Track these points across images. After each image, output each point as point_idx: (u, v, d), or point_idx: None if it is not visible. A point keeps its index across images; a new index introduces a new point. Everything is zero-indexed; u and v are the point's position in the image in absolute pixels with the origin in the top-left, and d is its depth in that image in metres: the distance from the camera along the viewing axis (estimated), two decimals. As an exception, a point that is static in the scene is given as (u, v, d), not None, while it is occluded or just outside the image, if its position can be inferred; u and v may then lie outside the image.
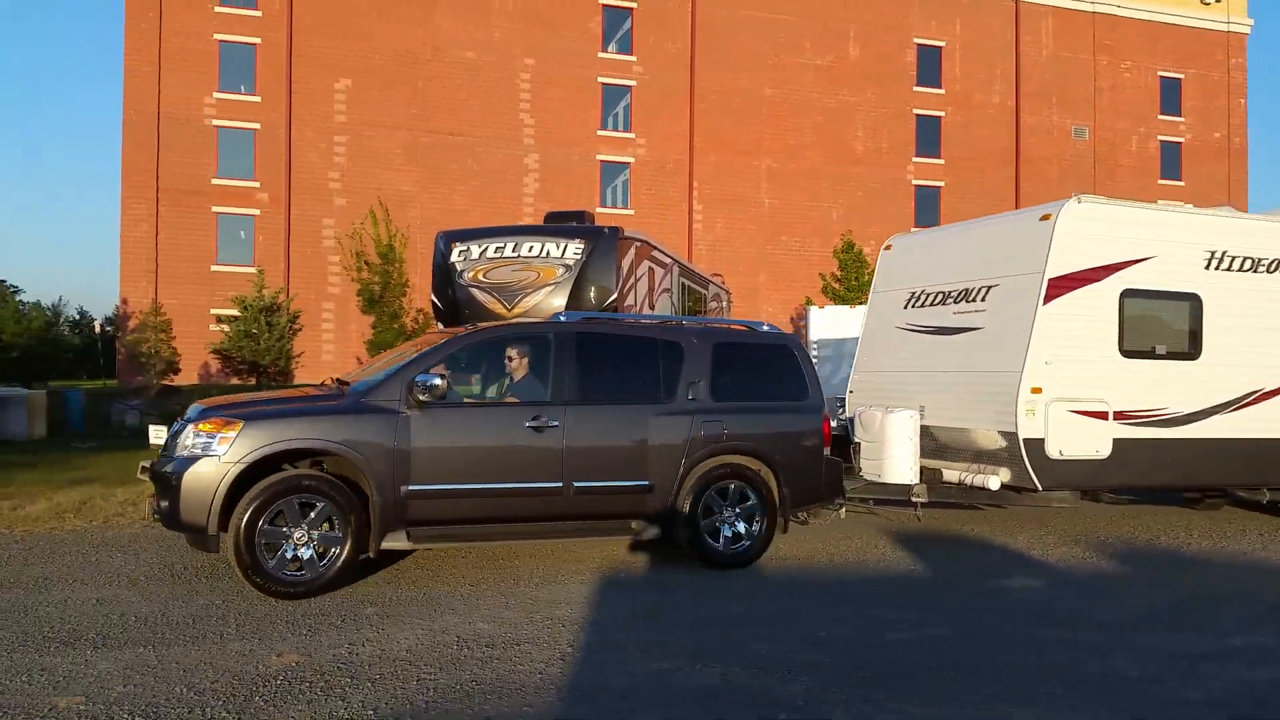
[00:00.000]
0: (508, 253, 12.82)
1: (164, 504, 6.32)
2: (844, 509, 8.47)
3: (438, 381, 6.59)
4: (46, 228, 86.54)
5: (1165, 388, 8.71)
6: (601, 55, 38.92)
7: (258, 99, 35.23)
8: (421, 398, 6.58)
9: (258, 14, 35.27)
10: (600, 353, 7.52)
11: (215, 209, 34.80)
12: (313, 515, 6.32)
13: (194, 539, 6.40)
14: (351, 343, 34.10)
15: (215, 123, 34.92)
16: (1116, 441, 8.44)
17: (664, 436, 7.28)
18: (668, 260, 15.52)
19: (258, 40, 35.25)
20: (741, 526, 7.51)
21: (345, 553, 6.36)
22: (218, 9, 34.80)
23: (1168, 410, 8.70)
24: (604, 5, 38.89)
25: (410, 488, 6.55)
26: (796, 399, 7.95)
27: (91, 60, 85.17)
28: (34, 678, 4.77)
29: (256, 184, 35.20)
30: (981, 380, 8.73)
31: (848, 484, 8.59)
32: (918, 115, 42.48)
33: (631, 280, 13.16)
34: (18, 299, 40.06)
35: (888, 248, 10.97)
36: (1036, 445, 8.23)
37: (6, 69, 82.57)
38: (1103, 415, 8.42)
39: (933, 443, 9.18)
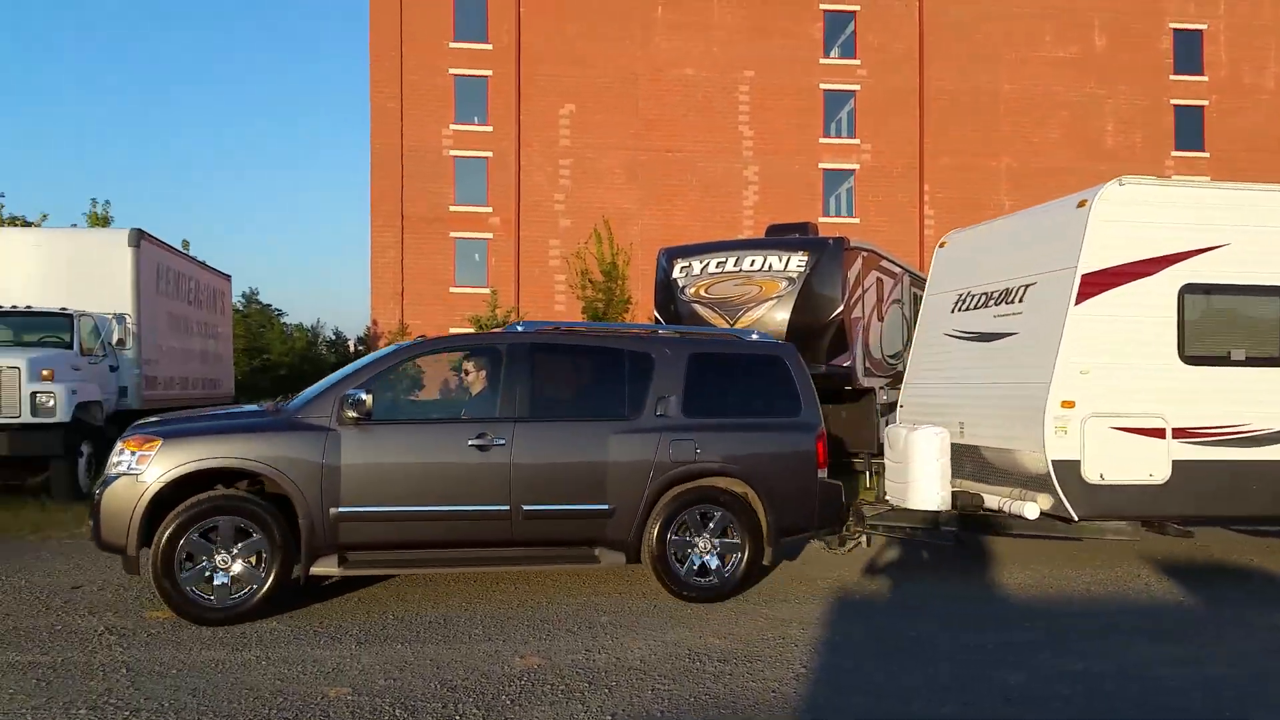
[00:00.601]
0: (729, 267, 12.96)
1: (90, 523, 6.23)
2: (865, 538, 7.80)
3: (363, 396, 6.31)
4: (305, 256, 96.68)
5: (1246, 400, 7.47)
6: (824, 61, 38.57)
7: (489, 129, 37.68)
8: (351, 414, 6.30)
9: (488, 47, 37.77)
10: (558, 365, 7.18)
11: (453, 234, 37.51)
12: (244, 538, 6.13)
13: (124, 562, 6.20)
14: (577, 360, 35.51)
15: (452, 153, 37.66)
16: (1178, 464, 7.30)
17: (626, 456, 6.69)
18: (897, 270, 15.10)
19: (489, 73, 37.73)
20: (717, 556, 6.87)
21: (270, 577, 6.12)
22: (452, 45, 37.59)
23: (1250, 427, 7.44)
24: (825, 10, 38.56)
25: (340, 509, 6.25)
26: (787, 415, 7.18)
27: (343, 101, 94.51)
28: (306, 669, 5.32)
29: (489, 209, 37.62)
30: (1014, 393, 7.79)
31: (869, 510, 7.96)
32: (1176, 106, 39.01)
33: (859, 291, 12.91)
34: (282, 321, 44.99)
35: (942, 245, 9.86)
36: (1070, 468, 7.25)
37: (273, 112, 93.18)
38: (1158, 433, 7.32)
39: (976, 464, 8.27)
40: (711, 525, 6.85)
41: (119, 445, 6.34)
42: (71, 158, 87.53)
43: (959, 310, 9.03)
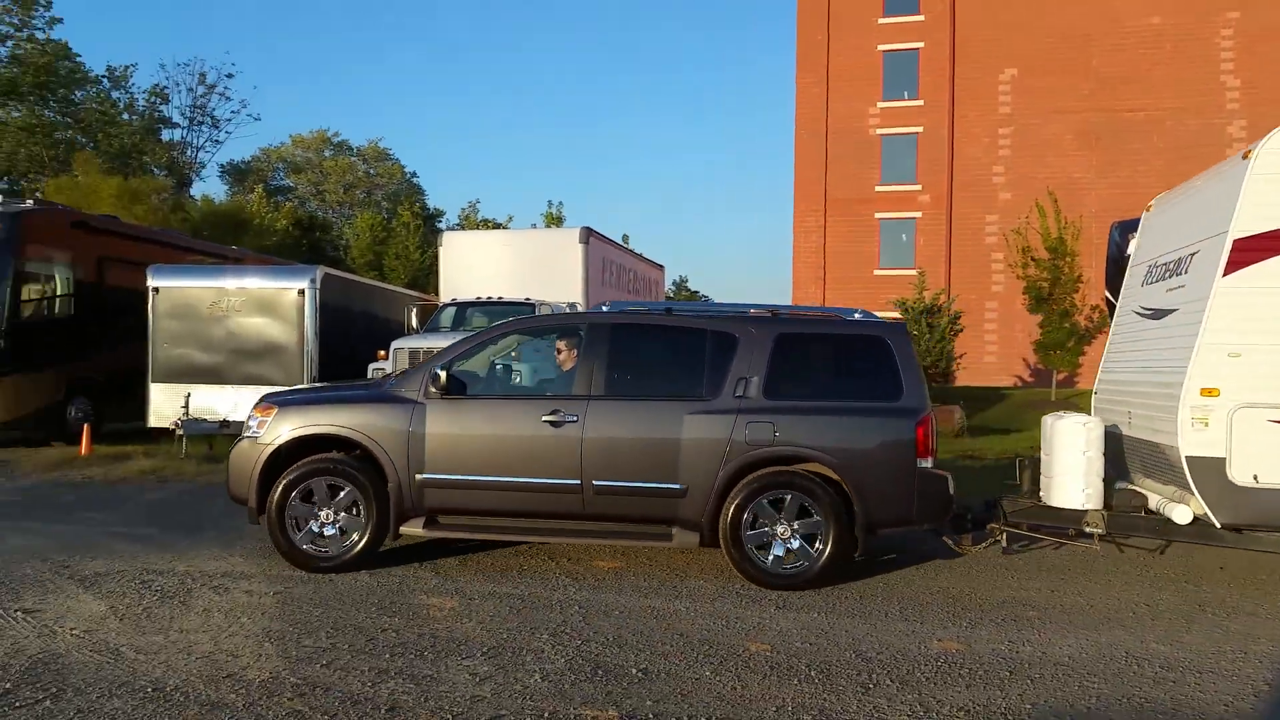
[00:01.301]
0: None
1: (226, 479, 7.22)
2: (1004, 536, 7.30)
3: (439, 371, 6.85)
4: (732, 243, 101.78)
5: None
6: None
7: (920, 103, 36.87)
8: (434, 388, 6.84)
9: (920, 18, 36.92)
10: (637, 346, 7.26)
11: (878, 215, 37.33)
12: (340, 497, 6.88)
13: (249, 512, 7.06)
14: (1017, 343, 33.62)
15: (879, 132, 37.44)
16: None
17: (698, 436, 6.70)
18: None
19: (920, 44, 36.89)
20: (798, 544, 6.65)
21: (366, 535, 6.86)
22: (881, 20, 37.29)
23: None
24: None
25: (424, 476, 6.84)
26: (885, 400, 6.78)
27: (766, 88, 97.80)
28: (730, 624, 5.83)
29: (918, 187, 36.85)
30: (1160, 378, 6.87)
31: (1008, 505, 7.37)
32: None
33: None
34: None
35: (1148, 209, 8.53)
36: (1212, 466, 6.27)
37: (698, 103, 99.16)
38: None
39: (1144, 460, 7.26)
40: (793, 511, 6.69)
41: (250, 411, 7.38)
42: (531, 160, 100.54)
43: (1145, 284, 8.04)
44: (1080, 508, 7.02)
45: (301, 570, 6.90)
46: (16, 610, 5.85)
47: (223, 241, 26.06)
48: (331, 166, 58.52)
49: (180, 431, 13.22)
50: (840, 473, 6.68)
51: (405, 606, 6.12)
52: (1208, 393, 6.38)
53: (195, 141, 49.61)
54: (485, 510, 7.10)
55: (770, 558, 6.73)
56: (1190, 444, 6.40)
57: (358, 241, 44.77)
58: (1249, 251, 6.36)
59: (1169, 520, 6.71)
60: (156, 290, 14.28)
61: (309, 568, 6.91)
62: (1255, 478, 6.29)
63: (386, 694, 4.60)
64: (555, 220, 40.57)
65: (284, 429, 7.04)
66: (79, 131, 41.45)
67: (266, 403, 7.33)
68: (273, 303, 14.26)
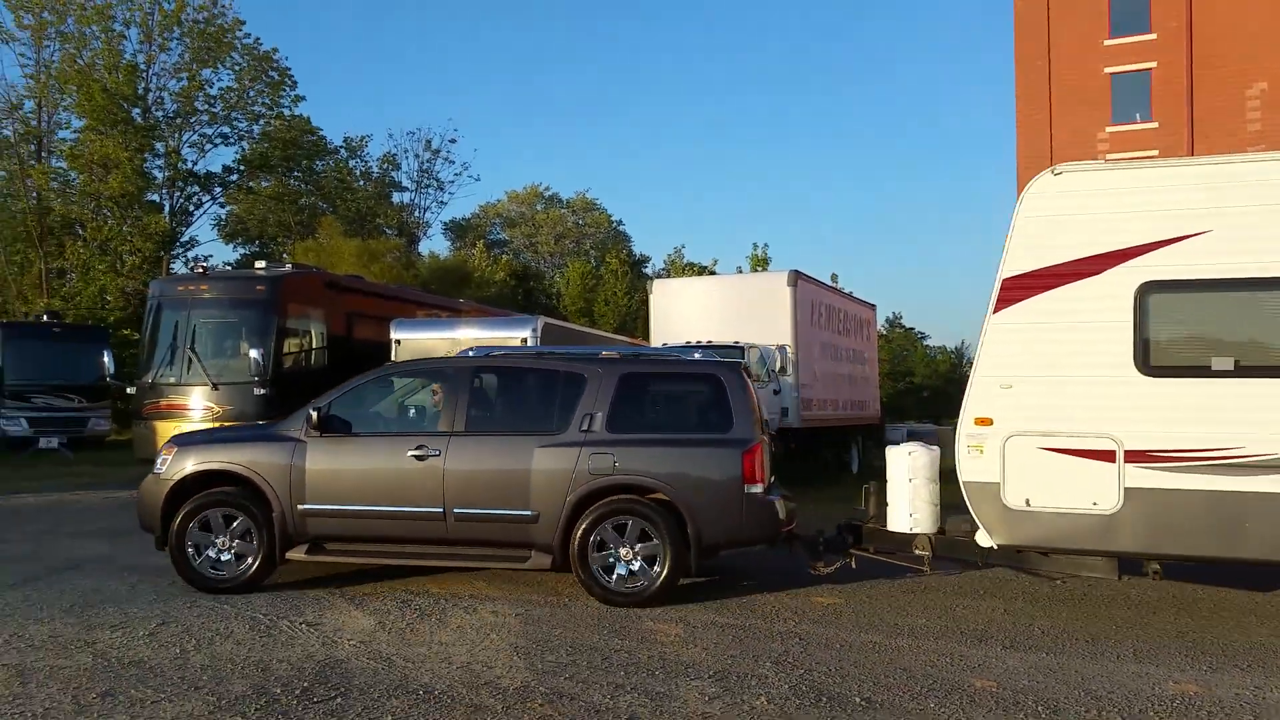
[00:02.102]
0: None
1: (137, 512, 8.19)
2: (852, 560, 7.88)
3: (312, 413, 7.76)
4: (945, 279, 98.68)
5: (1237, 418, 6.34)
6: None
7: (1154, 125, 34.94)
8: (312, 428, 7.75)
9: (1151, 37, 35.14)
10: (497, 386, 8.18)
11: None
12: (234, 526, 7.75)
13: (155, 540, 7.96)
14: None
15: (1109, 157, 35.72)
16: (1132, 492, 6.54)
17: (548, 467, 7.43)
18: None
19: (1153, 64, 35.06)
20: (639, 565, 7.33)
21: (258, 560, 7.71)
22: (1108, 42, 35.73)
23: (1244, 450, 6.27)
24: None
25: (305, 506, 7.69)
26: (717, 431, 7.52)
27: (982, 118, 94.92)
28: (954, 661, 5.97)
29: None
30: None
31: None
32: None
33: None
34: (925, 344, 46.88)
35: None
36: (986, 491, 6.87)
37: (905, 138, 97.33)
38: (1106, 456, 6.57)
39: None
40: (634, 534, 7.35)
41: (160, 451, 8.31)
42: (734, 202, 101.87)
43: None
44: (908, 531, 7.58)
45: (202, 592, 7.70)
46: (301, 623, 6.80)
47: (448, 294, 28.23)
48: (543, 219, 61.82)
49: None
50: (675, 498, 7.37)
51: (634, 631, 6.65)
52: (981, 422, 6.90)
53: (422, 203, 53.77)
54: (361, 537, 7.90)
55: (614, 578, 7.41)
56: (967, 470, 6.93)
57: (569, 289, 47.02)
58: (1016, 290, 6.87)
59: (977, 544, 7.14)
60: (398, 342, 15.78)
61: (208, 589, 7.71)
62: (1027, 501, 6.78)
63: (625, 706, 5.09)
64: (761, 263, 41.11)
65: (186, 465, 7.95)
66: (320, 198, 45.90)
67: (170, 443, 8.37)
68: (500, 351, 15.47)
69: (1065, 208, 6.92)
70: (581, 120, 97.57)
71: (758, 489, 7.40)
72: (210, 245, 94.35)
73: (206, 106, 40.09)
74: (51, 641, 6.20)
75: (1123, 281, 6.67)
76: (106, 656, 5.89)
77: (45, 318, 26.79)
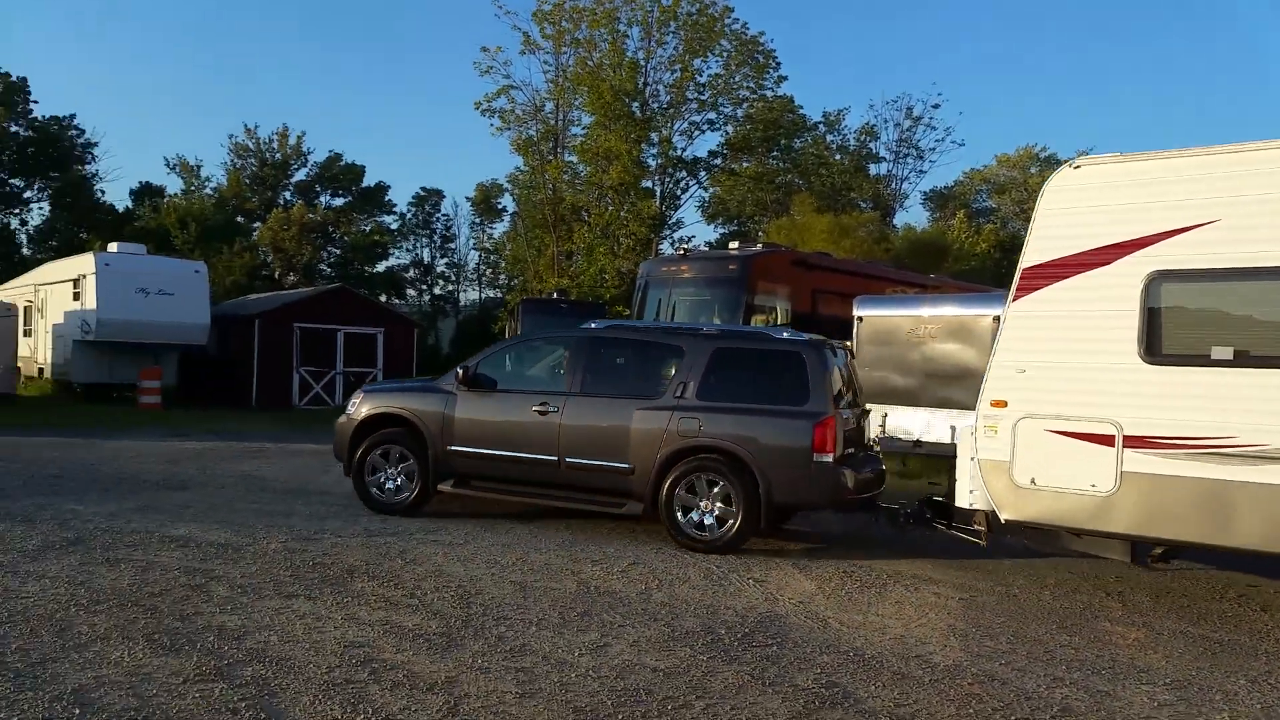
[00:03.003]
0: None
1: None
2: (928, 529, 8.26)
3: (459, 370, 9.42)
4: None
5: (1233, 408, 6.39)
6: None
7: None
8: (461, 384, 9.31)
9: None
10: (609, 354, 9.52)
11: None
12: (400, 461, 9.48)
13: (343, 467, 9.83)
14: None
15: None
16: (1128, 475, 6.73)
17: (644, 427, 8.64)
18: None
19: None
20: (716, 516, 8.34)
21: (416, 489, 9.39)
22: None
23: (1237, 440, 6.33)
24: None
25: (452, 447, 9.25)
26: (793, 404, 8.31)
27: None
28: None
29: None
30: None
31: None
32: None
33: None
34: None
35: None
36: (998, 468, 7.31)
37: None
38: (1106, 440, 6.79)
39: None
40: (713, 489, 8.38)
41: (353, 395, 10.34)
42: None
43: None
44: (968, 507, 7.69)
45: (372, 509, 9.46)
46: (750, 579, 7.46)
47: (922, 268, 27.97)
48: (1037, 183, 58.25)
49: (877, 448, 14.81)
50: (750, 461, 8.27)
51: (1087, 629, 6.39)
52: (997, 404, 7.34)
53: (900, 174, 53.47)
54: (494, 476, 9.29)
55: (694, 527, 8.46)
56: (982, 448, 7.39)
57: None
58: (1035, 279, 7.23)
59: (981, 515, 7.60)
60: (860, 319, 16.13)
61: (374, 508, 9.48)
62: (1033, 480, 7.17)
63: (1060, 698, 4.99)
64: None
65: (365, 409, 9.74)
66: (796, 175, 47.67)
67: (360, 391, 10.31)
68: (966, 329, 15.15)
69: (1081, 200, 7.20)
70: (1076, 77, 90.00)
71: (827, 458, 8.13)
72: (694, 226, 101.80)
73: (696, 95, 43.47)
74: (546, 568, 7.47)
75: (1132, 271, 6.88)
76: (587, 585, 6.99)
77: (556, 294, 31.13)
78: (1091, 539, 7.27)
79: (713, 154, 45.96)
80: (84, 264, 22.33)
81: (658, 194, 43.55)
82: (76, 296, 22.12)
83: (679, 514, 8.47)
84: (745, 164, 46.52)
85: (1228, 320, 6.89)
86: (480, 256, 59.74)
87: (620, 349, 9.68)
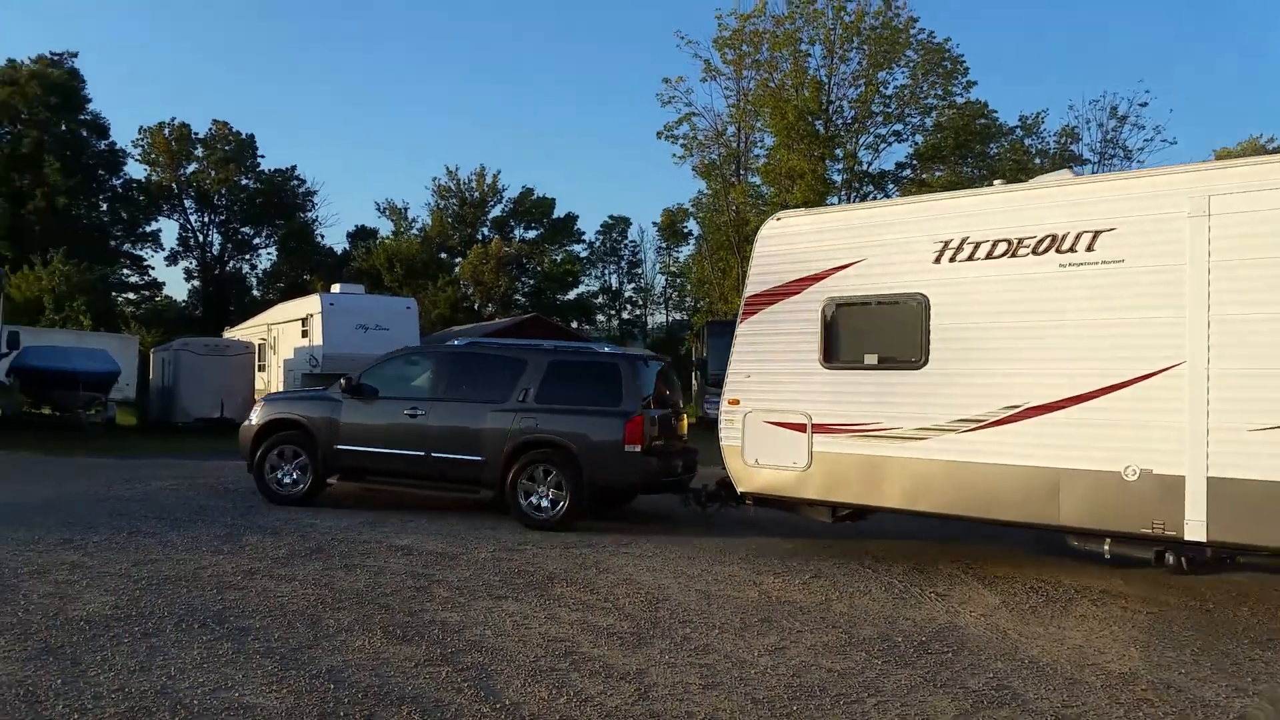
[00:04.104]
0: None
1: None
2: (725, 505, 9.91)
3: (342, 381, 11.48)
4: None
5: (878, 400, 8.57)
6: None
7: None
8: (345, 392, 11.31)
9: None
10: (467, 367, 11.42)
11: None
12: (295, 458, 11.34)
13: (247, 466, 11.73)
14: None
15: None
16: (816, 455, 8.85)
17: (493, 426, 10.63)
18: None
19: None
20: (549, 499, 10.28)
21: (309, 481, 11.24)
22: None
23: (881, 425, 8.50)
24: None
25: (338, 446, 11.13)
26: (610, 406, 10.35)
27: None
28: None
29: None
30: None
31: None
32: None
33: None
34: None
35: None
36: (734, 452, 9.36)
37: None
38: (801, 428, 8.91)
39: None
40: (545, 476, 10.35)
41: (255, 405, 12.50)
42: None
43: None
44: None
45: (270, 501, 11.22)
46: (931, 592, 7.71)
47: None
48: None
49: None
50: (576, 453, 10.24)
51: (1282, 644, 6.31)
52: (732, 402, 9.40)
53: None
54: (374, 471, 11.19)
55: (533, 508, 10.32)
56: (724, 437, 9.43)
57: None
58: (753, 306, 9.44)
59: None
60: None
61: (274, 500, 11.23)
62: (756, 460, 9.23)
63: (1239, 706, 5.08)
64: None
65: (264, 415, 11.69)
66: (989, 180, 46.27)
67: (260, 401, 12.58)
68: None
69: (782, 245, 9.40)
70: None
71: (636, 449, 10.14)
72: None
73: (881, 107, 43.12)
74: (730, 579, 7.99)
75: (814, 298, 9.04)
76: (768, 595, 7.46)
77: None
78: (804, 506, 9.24)
79: (899, 165, 45.39)
80: (311, 304, 24.67)
81: (845, 210, 43.25)
82: (304, 334, 24.43)
83: (521, 498, 10.36)
84: (937, 173, 45.61)
85: (875, 334, 8.80)
86: (666, 280, 61.14)
87: (476, 362, 11.51)
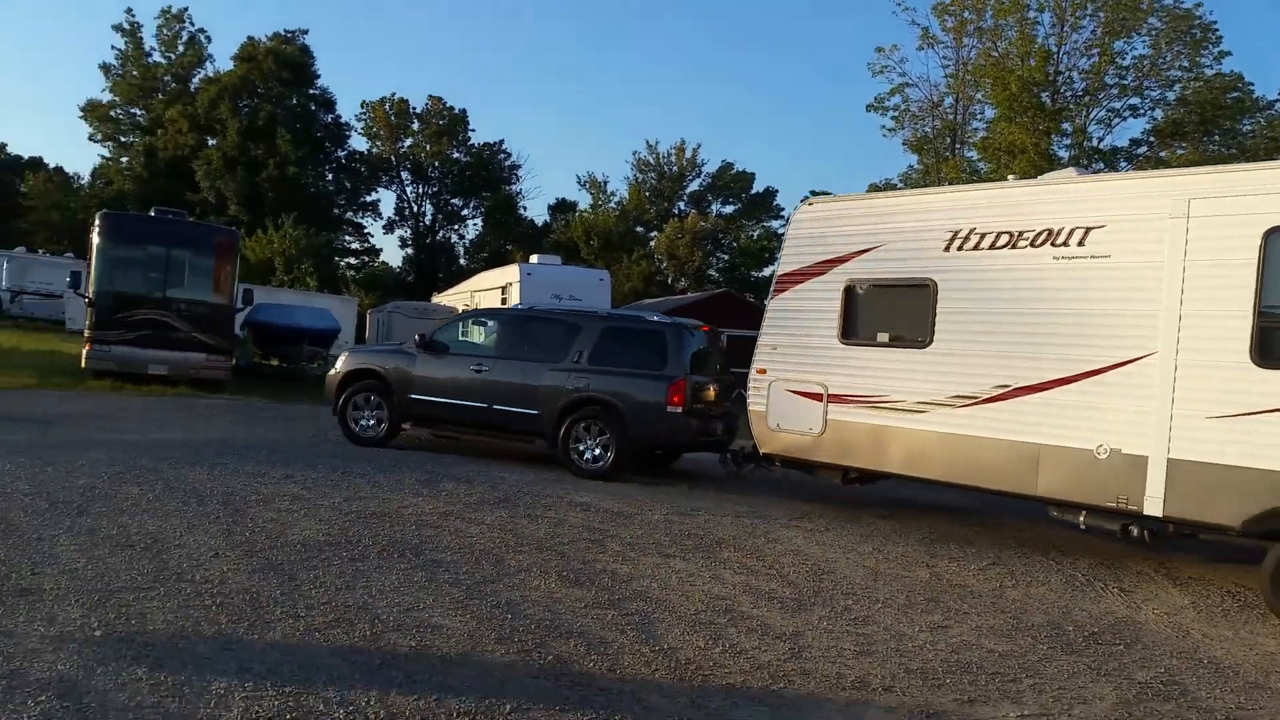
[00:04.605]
0: None
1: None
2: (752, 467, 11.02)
3: (416, 335, 12.87)
4: None
5: (887, 375, 9.43)
6: None
7: None
8: (419, 347, 12.59)
9: None
10: (529, 328, 12.48)
11: None
12: (373, 405, 12.63)
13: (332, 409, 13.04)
14: None
15: None
16: (830, 422, 9.78)
17: (549, 383, 11.66)
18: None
19: None
20: (597, 451, 11.29)
21: (386, 427, 12.52)
22: None
23: (888, 398, 9.36)
24: None
25: (412, 396, 12.39)
26: (655, 369, 11.32)
27: None
28: None
29: None
30: None
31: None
32: None
33: None
34: None
35: None
36: (760, 417, 10.40)
37: None
38: (818, 397, 9.86)
39: None
40: (594, 431, 11.43)
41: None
42: None
43: None
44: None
45: (351, 442, 12.43)
46: (1115, 587, 7.58)
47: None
48: None
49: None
50: (622, 411, 11.22)
51: None
52: (760, 372, 10.50)
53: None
54: (444, 419, 12.37)
55: (583, 460, 11.31)
56: (751, 403, 10.61)
57: None
58: (783, 284, 10.49)
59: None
60: None
61: (355, 441, 12.43)
62: (777, 425, 10.26)
63: None
64: None
65: (346, 365, 12.91)
66: (1243, 159, 42.77)
67: (345, 352, 13.91)
68: None
69: (812, 229, 10.33)
70: None
71: (678, 409, 11.01)
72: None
73: (1117, 79, 40.66)
74: (901, 558, 8.11)
75: (836, 279, 9.94)
76: (940, 577, 7.54)
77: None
78: (818, 468, 10.21)
79: (1134, 142, 42.68)
80: (510, 274, 25.94)
81: (1069, 189, 41.16)
82: (504, 301, 25.75)
83: (572, 450, 11.36)
84: (1179, 151, 42.58)
85: (888, 314, 9.68)
86: (871, 260, 60.02)
87: (537, 324, 12.54)
